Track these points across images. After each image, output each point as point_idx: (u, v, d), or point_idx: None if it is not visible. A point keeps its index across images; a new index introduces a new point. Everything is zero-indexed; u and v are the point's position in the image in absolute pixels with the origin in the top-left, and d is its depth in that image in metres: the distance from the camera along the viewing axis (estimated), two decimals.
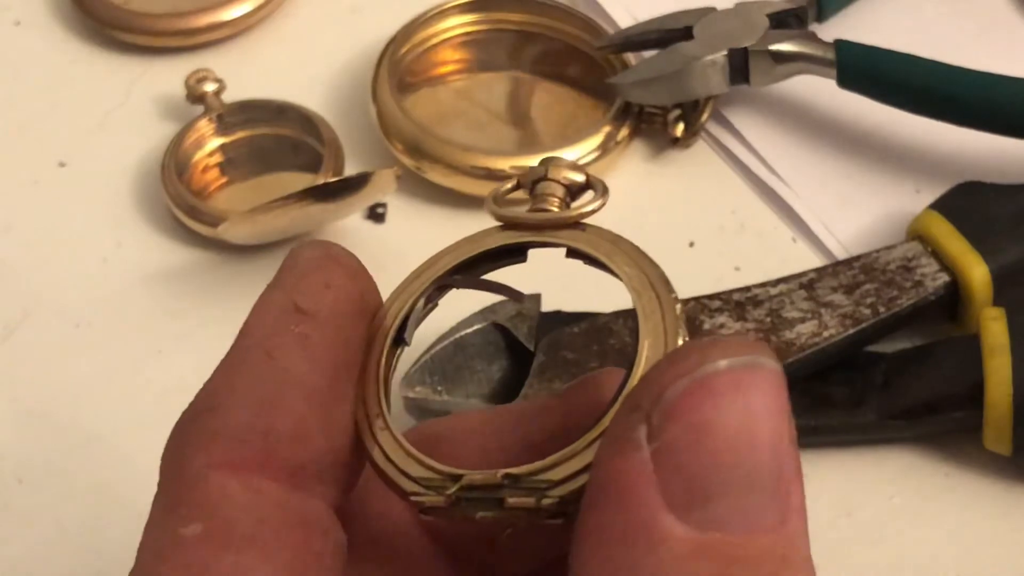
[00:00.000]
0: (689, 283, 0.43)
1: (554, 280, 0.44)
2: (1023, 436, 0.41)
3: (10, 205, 0.50)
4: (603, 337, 0.43)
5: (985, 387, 0.41)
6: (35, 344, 0.46)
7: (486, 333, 0.44)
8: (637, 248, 0.25)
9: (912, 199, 0.47)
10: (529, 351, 0.43)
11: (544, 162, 0.26)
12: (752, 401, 0.20)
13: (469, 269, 0.26)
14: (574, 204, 0.26)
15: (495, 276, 0.27)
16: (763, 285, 0.44)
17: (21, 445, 0.44)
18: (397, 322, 0.26)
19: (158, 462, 0.42)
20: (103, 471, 0.43)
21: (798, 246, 0.48)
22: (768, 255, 0.48)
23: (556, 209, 0.26)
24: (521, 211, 0.26)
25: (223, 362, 0.24)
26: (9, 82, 0.54)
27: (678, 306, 0.24)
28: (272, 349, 0.24)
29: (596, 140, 0.49)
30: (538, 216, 0.26)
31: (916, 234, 0.45)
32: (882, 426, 0.42)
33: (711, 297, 0.44)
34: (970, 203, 0.45)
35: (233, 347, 0.24)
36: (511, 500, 0.23)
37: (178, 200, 0.48)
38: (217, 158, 0.51)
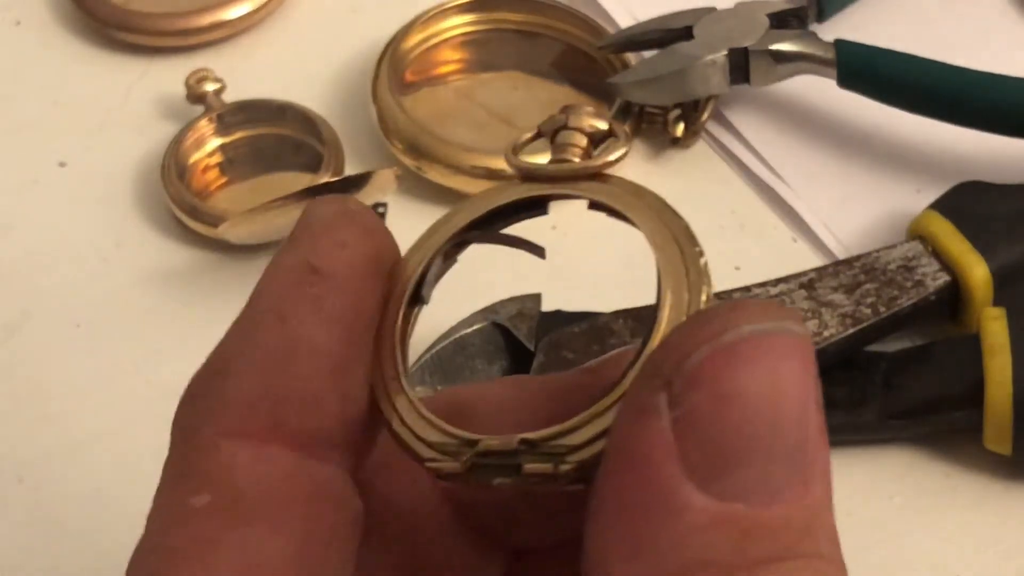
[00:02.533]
0: None
1: (554, 280, 0.44)
2: (1023, 436, 0.41)
3: (10, 205, 0.50)
4: (603, 337, 0.43)
5: (985, 387, 0.41)
6: (35, 344, 0.46)
7: (486, 333, 0.44)
8: (661, 200, 0.24)
9: (912, 199, 0.47)
10: (529, 351, 0.43)
11: (565, 109, 0.25)
12: (777, 369, 0.20)
13: (488, 224, 0.25)
14: (596, 154, 0.25)
15: (514, 230, 0.26)
16: (763, 285, 0.44)
17: (21, 445, 0.44)
18: (414, 280, 0.25)
19: (158, 462, 0.42)
20: (103, 471, 0.43)
21: (798, 246, 0.48)
22: (768, 255, 0.48)
23: (578, 160, 0.25)
24: (541, 162, 0.25)
25: (234, 325, 0.24)
26: (9, 82, 0.54)
27: (703, 260, 0.23)
28: (284, 313, 0.23)
29: None
30: (558, 168, 0.25)
31: (916, 234, 0.45)
32: (882, 426, 0.42)
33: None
34: (970, 203, 0.45)
35: (245, 309, 0.24)
36: (528, 466, 0.22)
37: (178, 200, 0.48)
38: (217, 158, 0.50)
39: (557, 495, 0.23)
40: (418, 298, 0.25)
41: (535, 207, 0.25)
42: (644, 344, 0.22)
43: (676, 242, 0.23)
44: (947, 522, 0.42)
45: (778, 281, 0.44)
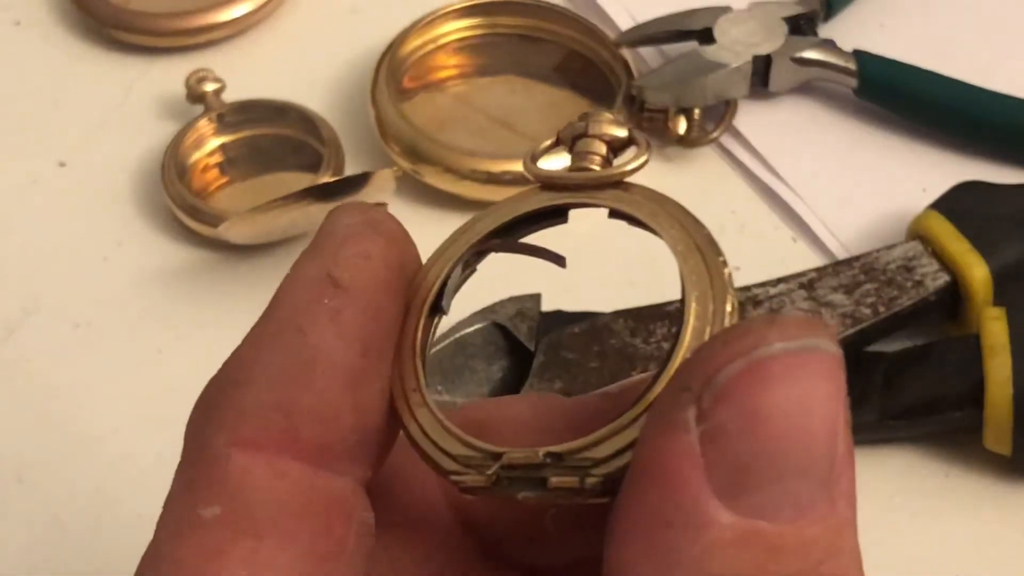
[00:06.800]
0: None
1: (554, 280, 0.44)
2: (1023, 436, 0.41)
3: (10, 205, 0.50)
4: (603, 337, 0.43)
5: (985, 387, 0.41)
6: (35, 344, 0.46)
7: (486, 333, 0.44)
8: (683, 209, 0.24)
9: (912, 199, 0.47)
10: (529, 351, 0.43)
11: (584, 116, 0.25)
12: (808, 387, 0.20)
13: (508, 232, 0.25)
14: (616, 161, 0.25)
15: (535, 239, 0.26)
16: (763, 285, 0.44)
17: (21, 445, 0.44)
18: (434, 290, 0.25)
19: (158, 462, 0.42)
20: (103, 471, 0.43)
21: (798, 246, 0.48)
22: (768, 255, 0.48)
23: (597, 167, 0.24)
24: (561, 170, 0.25)
25: (252, 333, 0.24)
26: (9, 82, 0.54)
27: (726, 270, 0.22)
28: (303, 324, 0.23)
29: None
30: (578, 176, 0.24)
31: (916, 234, 0.45)
32: (882, 426, 0.42)
33: None
34: (970, 203, 0.45)
35: (263, 318, 0.24)
36: (554, 479, 0.22)
37: (178, 200, 0.48)
38: (217, 158, 0.51)
39: (578, 510, 0.23)
40: (437, 308, 0.25)
41: (555, 216, 0.25)
42: (669, 354, 0.22)
43: (699, 251, 0.23)
44: (947, 522, 0.42)
45: (778, 281, 0.44)
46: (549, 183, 0.25)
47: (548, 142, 0.26)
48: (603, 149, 0.25)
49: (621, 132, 0.25)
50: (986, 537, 0.42)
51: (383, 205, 0.49)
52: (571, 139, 0.25)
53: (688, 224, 0.23)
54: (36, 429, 0.44)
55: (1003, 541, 0.42)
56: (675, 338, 0.22)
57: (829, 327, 0.20)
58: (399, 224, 0.25)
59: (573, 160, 0.25)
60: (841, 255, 0.47)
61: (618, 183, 0.24)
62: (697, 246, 0.23)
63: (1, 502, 0.43)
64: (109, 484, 0.43)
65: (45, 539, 0.42)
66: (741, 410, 0.20)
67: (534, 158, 0.25)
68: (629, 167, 0.24)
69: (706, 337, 0.22)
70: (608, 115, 0.25)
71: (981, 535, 0.42)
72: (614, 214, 0.24)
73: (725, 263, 0.23)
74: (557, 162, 0.25)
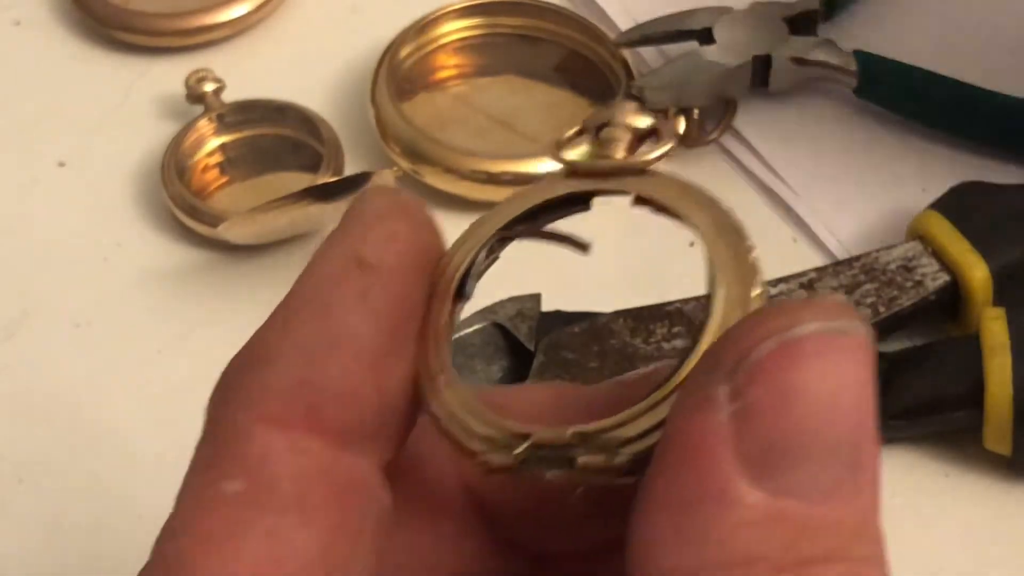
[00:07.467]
0: (689, 283, 0.43)
1: (554, 280, 0.44)
2: (1023, 436, 0.41)
3: (10, 205, 0.50)
4: (603, 337, 0.43)
5: (985, 387, 0.41)
6: (35, 344, 0.46)
7: (486, 333, 0.44)
8: (709, 195, 0.24)
9: (913, 199, 0.47)
10: (529, 351, 0.43)
11: (609, 105, 0.26)
12: (842, 368, 0.20)
13: (532, 219, 0.25)
14: (640, 149, 0.25)
15: (560, 225, 0.26)
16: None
17: (21, 445, 0.44)
18: (459, 274, 0.25)
19: (158, 462, 0.42)
20: (103, 471, 0.43)
21: (798, 246, 0.48)
22: (768, 255, 0.47)
23: (622, 155, 0.25)
24: (586, 157, 0.25)
25: (279, 310, 0.24)
26: (9, 82, 0.54)
27: (753, 255, 0.23)
28: (330, 302, 0.23)
29: None
30: (603, 163, 0.25)
31: (916, 234, 0.45)
32: (882, 426, 0.42)
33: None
34: (970, 203, 0.45)
35: (290, 295, 0.24)
36: (582, 459, 0.22)
37: (178, 200, 0.48)
38: (217, 158, 0.51)
39: (603, 491, 0.23)
40: (461, 293, 0.25)
41: (579, 202, 0.25)
42: (697, 336, 0.22)
43: (726, 236, 0.23)
44: (947, 522, 0.42)
45: (778, 281, 0.44)
46: (574, 170, 0.25)
47: (573, 130, 0.26)
48: (628, 137, 0.25)
49: (645, 121, 0.25)
50: (986, 537, 0.42)
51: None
52: (595, 127, 0.25)
53: (714, 210, 0.23)
54: (36, 429, 0.44)
55: (1003, 541, 0.42)
56: (703, 321, 0.22)
57: (861, 313, 0.20)
58: (425, 208, 0.25)
59: (598, 148, 0.25)
60: (841, 255, 0.47)
61: (642, 171, 0.25)
62: (724, 231, 0.23)
63: (1, 502, 0.43)
64: (109, 484, 0.43)
65: (45, 539, 0.42)
66: (773, 388, 0.20)
67: (559, 145, 0.26)
68: (653, 154, 0.25)
69: (733, 321, 0.22)
70: (632, 104, 0.25)
71: (981, 535, 0.42)
72: (639, 201, 0.24)
73: (752, 248, 0.23)
74: (582, 150, 0.26)
